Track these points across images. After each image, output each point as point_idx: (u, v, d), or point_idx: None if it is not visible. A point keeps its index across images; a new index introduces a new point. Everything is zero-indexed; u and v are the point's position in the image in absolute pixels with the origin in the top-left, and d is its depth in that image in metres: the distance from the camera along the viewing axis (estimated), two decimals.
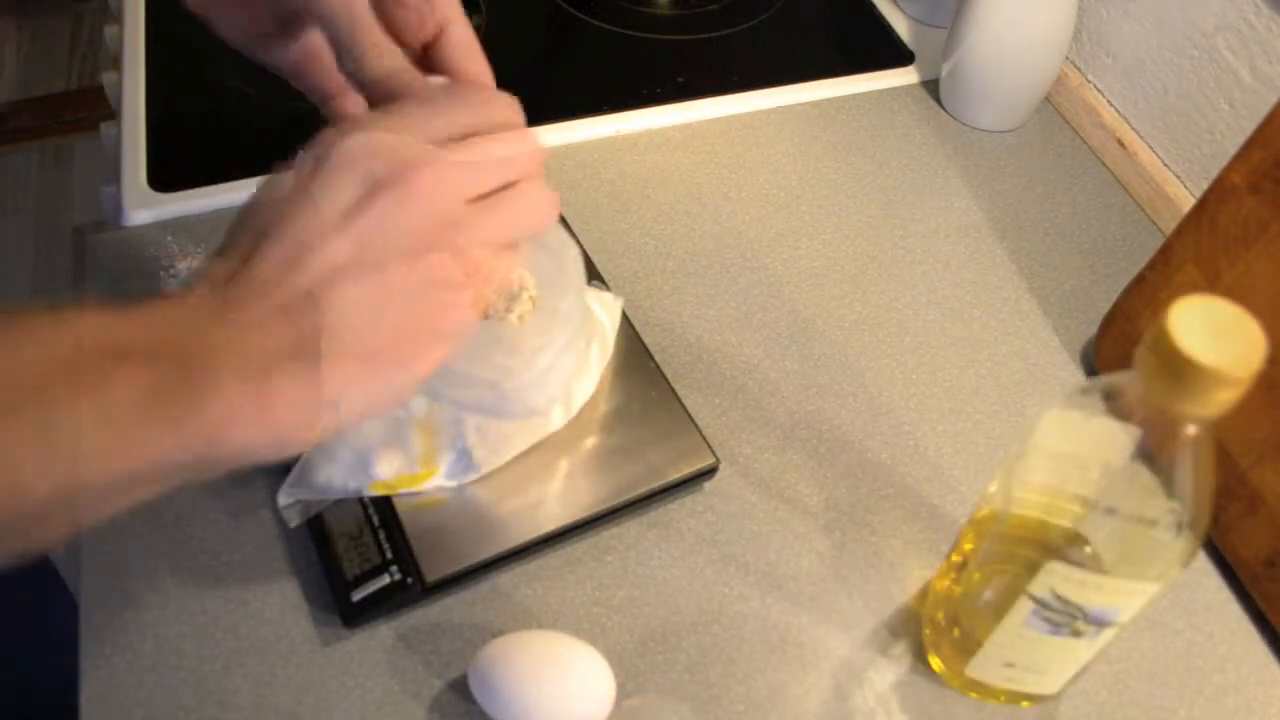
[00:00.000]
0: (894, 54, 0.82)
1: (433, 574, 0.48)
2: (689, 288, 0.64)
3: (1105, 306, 0.62)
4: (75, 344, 0.31)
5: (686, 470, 0.52)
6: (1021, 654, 0.44)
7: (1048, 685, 0.46)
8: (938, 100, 0.78)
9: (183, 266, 0.62)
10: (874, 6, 0.86)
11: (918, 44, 0.82)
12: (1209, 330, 0.31)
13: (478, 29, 0.83)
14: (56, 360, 0.30)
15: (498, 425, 0.51)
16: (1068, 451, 0.38)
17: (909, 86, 0.79)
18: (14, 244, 1.74)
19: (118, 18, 0.80)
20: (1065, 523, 0.38)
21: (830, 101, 0.77)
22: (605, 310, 0.56)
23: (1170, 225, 0.68)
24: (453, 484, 0.50)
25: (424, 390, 0.47)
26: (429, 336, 0.35)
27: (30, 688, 0.74)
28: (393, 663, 0.48)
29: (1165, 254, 0.57)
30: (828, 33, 0.84)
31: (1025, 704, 0.49)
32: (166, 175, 0.67)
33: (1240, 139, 0.53)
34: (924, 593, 0.52)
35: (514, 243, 0.38)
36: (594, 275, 0.60)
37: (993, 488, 0.43)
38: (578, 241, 0.62)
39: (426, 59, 0.44)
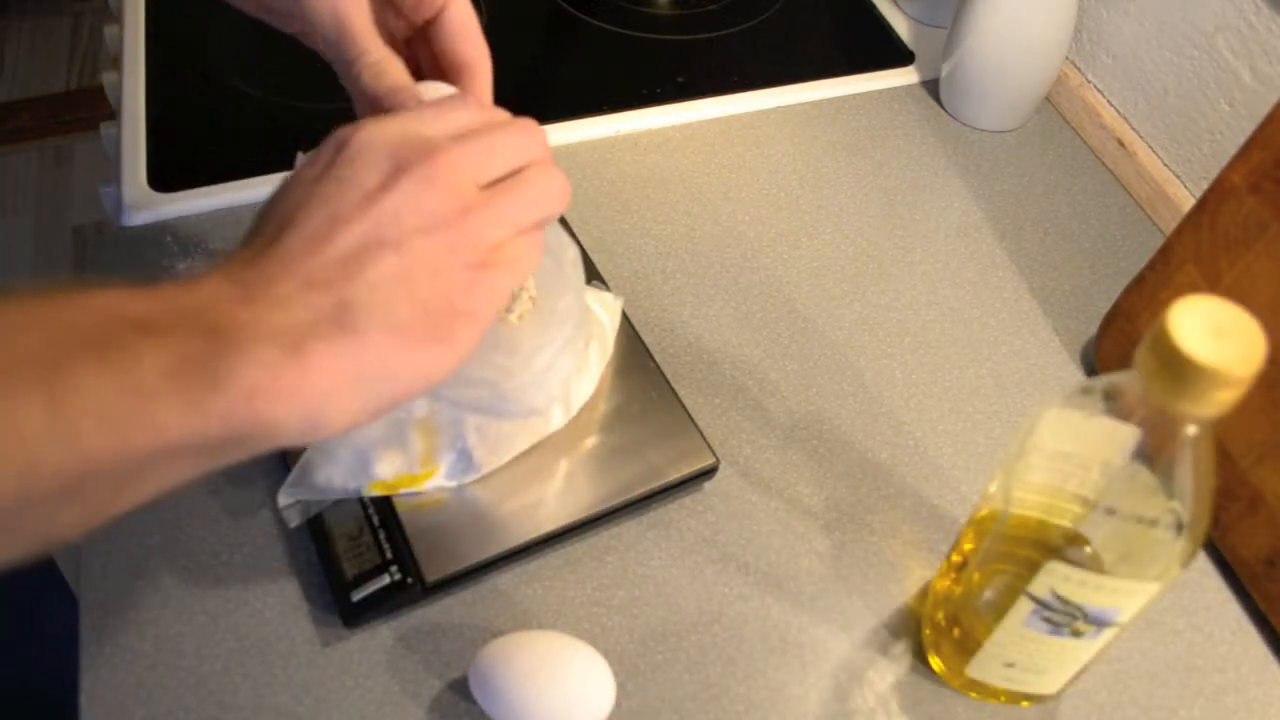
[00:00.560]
0: (894, 54, 0.82)
1: (433, 574, 0.48)
2: (689, 288, 0.64)
3: (1105, 306, 0.62)
4: (99, 316, 0.30)
5: (686, 470, 0.52)
6: (1021, 654, 0.44)
7: (1048, 685, 0.46)
8: (938, 100, 0.78)
9: (183, 267, 0.62)
10: (874, 6, 0.86)
11: (918, 44, 0.82)
12: (1209, 330, 0.31)
13: None
14: (79, 331, 0.29)
15: (498, 425, 0.51)
16: (1068, 451, 0.38)
17: (909, 86, 0.79)
18: (14, 244, 1.74)
19: (118, 18, 0.80)
20: (1065, 523, 0.38)
21: (830, 101, 0.77)
22: (605, 310, 0.56)
23: (1170, 225, 0.68)
24: (453, 484, 0.50)
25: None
26: (459, 315, 0.35)
27: (30, 686, 0.74)
28: (393, 663, 0.48)
29: (1165, 254, 0.57)
30: (828, 33, 0.84)
31: (1025, 704, 0.49)
32: (166, 175, 0.67)
33: (1240, 139, 0.53)
34: (924, 593, 0.52)
35: (535, 226, 0.38)
36: (594, 275, 0.60)
37: (993, 488, 0.43)
38: (577, 241, 0.62)
39: (425, 38, 0.45)
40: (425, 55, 0.46)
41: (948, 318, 0.64)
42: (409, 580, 0.48)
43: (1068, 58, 0.78)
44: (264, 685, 0.47)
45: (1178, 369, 0.31)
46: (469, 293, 0.35)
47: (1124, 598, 0.39)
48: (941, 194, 0.72)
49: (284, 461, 0.51)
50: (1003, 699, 0.48)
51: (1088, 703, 0.49)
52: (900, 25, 0.84)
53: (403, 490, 0.50)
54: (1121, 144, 0.73)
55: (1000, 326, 0.64)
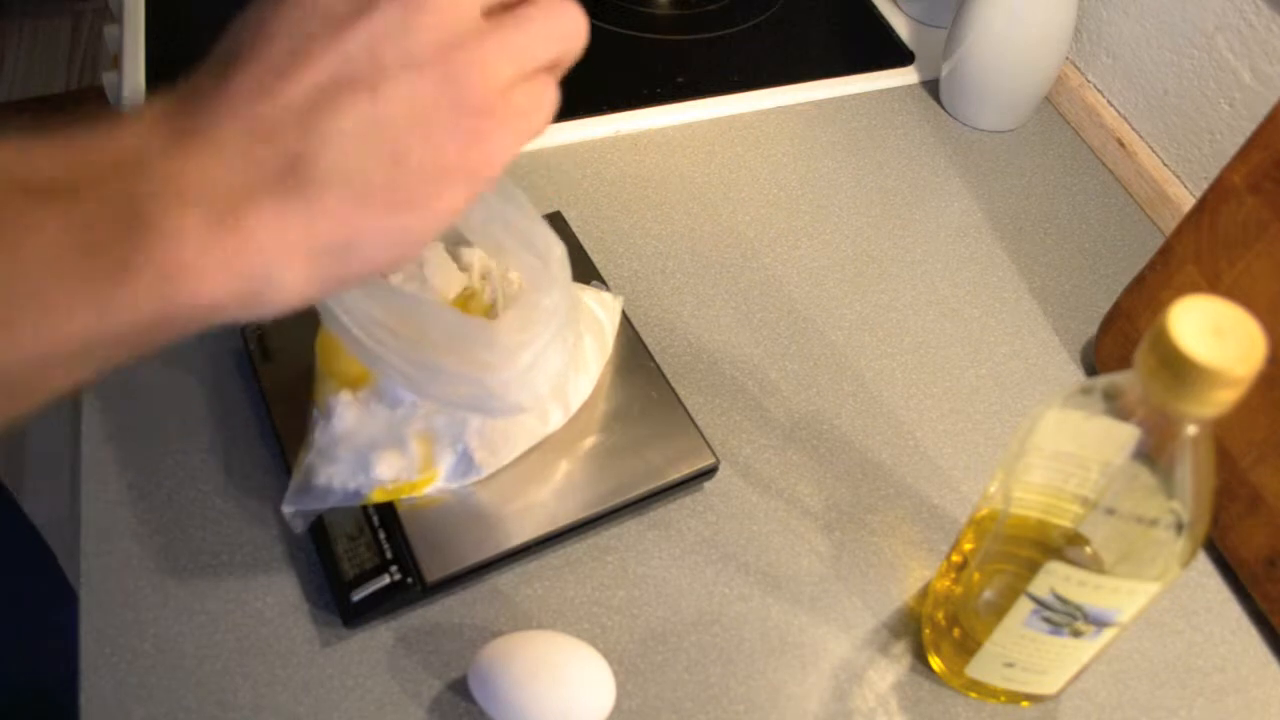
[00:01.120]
0: (894, 54, 0.82)
1: (433, 574, 0.48)
2: (689, 288, 0.64)
3: (1105, 306, 0.62)
4: None
5: (686, 470, 0.52)
6: (1021, 654, 0.44)
7: (1048, 685, 0.46)
8: (938, 100, 0.78)
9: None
10: (874, 6, 0.86)
11: (918, 44, 0.82)
12: (1209, 330, 0.31)
13: None
14: None
15: (497, 426, 0.51)
16: (1068, 451, 0.38)
17: (909, 86, 0.79)
18: None
19: (118, 18, 0.80)
20: (1065, 523, 0.38)
21: (830, 101, 0.77)
22: (605, 310, 0.56)
23: (1170, 225, 0.68)
24: (453, 487, 0.50)
25: (410, 389, 0.47)
26: (452, 172, 0.29)
27: (33, 685, 0.74)
28: (393, 663, 0.48)
29: (1165, 254, 0.57)
30: (828, 33, 0.84)
31: (1025, 704, 0.49)
32: None
33: (1240, 139, 0.53)
34: (924, 593, 0.52)
35: (548, 67, 0.32)
36: (594, 275, 0.60)
37: (993, 488, 0.43)
38: (574, 240, 0.62)
39: None
40: None
41: (948, 318, 0.64)
42: (409, 580, 0.48)
43: (1068, 58, 0.78)
44: (264, 685, 0.47)
45: (1178, 369, 0.31)
46: (465, 147, 0.29)
47: (1124, 598, 0.39)
48: (941, 194, 0.72)
49: (284, 462, 0.51)
50: (1003, 699, 0.48)
51: (1088, 703, 0.49)
52: (900, 25, 0.84)
53: (403, 497, 0.50)
54: (1121, 144, 0.73)
55: (1000, 326, 0.64)
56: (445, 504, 0.50)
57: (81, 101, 1.96)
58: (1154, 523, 0.37)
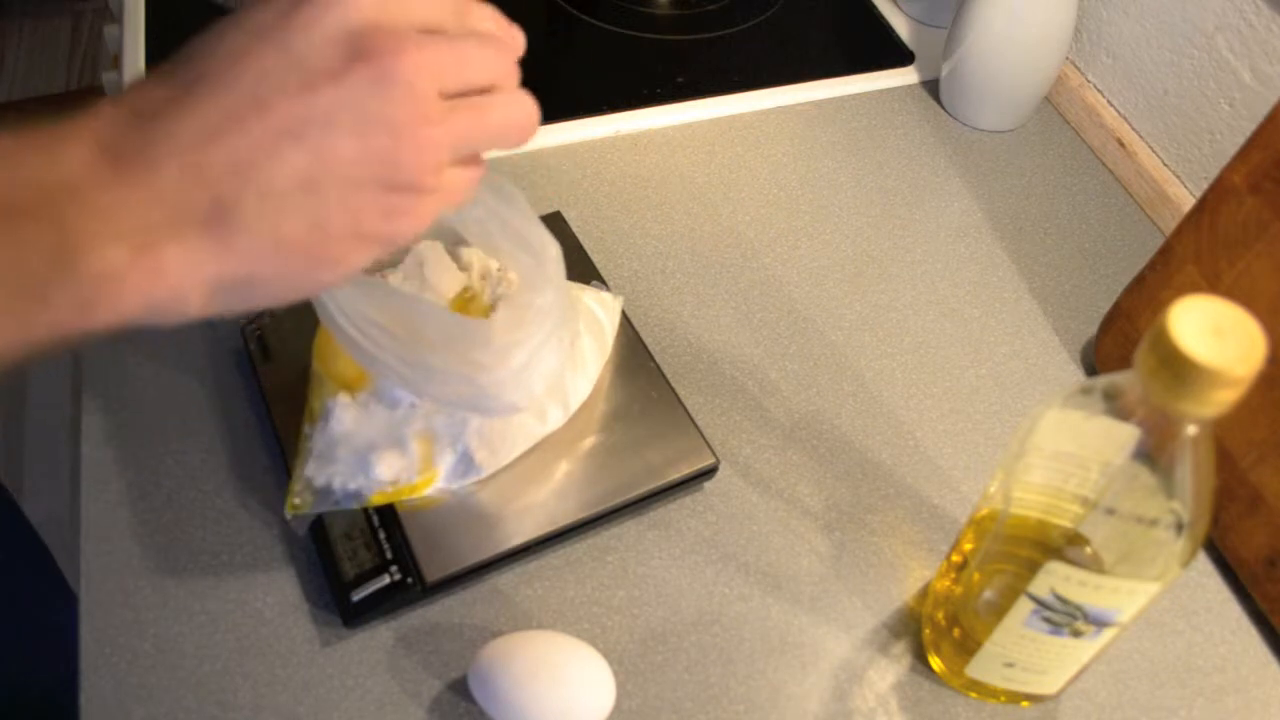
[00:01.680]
0: (894, 54, 0.82)
1: (433, 574, 0.48)
2: (689, 288, 0.64)
3: (1105, 306, 0.62)
4: None
5: (686, 470, 0.52)
6: (1021, 654, 0.44)
7: (1048, 685, 0.46)
8: (938, 100, 0.78)
9: None
10: (874, 6, 0.86)
11: (918, 44, 0.82)
12: (1209, 330, 0.31)
13: None
14: None
15: (497, 426, 0.51)
16: (1068, 451, 0.38)
17: (909, 86, 0.79)
18: None
19: (118, 18, 0.80)
20: (1065, 523, 0.38)
21: (830, 101, 0.77)
22: (604, 310, 0.56)
23: (1170, 225, 0.68)
24: (453, 487, 0.50)
25: (406, 388, 0.47)
26: (362, 239, 0.31)
27: (31, 686, 0.74)
28: (393, 663, 0.48)
29: (1165, 254, 0.57)
30: (828, 33, 0.84)
31: (1025, 704, 0.49)
32: None
33: (1240, 139, 0.53)
34: (924, 593, 0.52)
35: (483, 152, 0.33)
36: (594, 275, 0.60)
37: (993, 488, 0.43)
38: (575, 240, 0.62)
39: None
40: None
41: (948, 318, 0.64)
42: (409, 580, 0.48)
43: (1068, 58, 0.78)
44: (264, 685, 0.47)
45: (1178, 369, 0.31)
46: (385, 219, 0.30)
47: (1124, 598, 0.39)
48: (941, 194, 0.72)
49: (284, 462, 0.51)
50: (1003, 699, 0.48)
51: (1088, 703, 0.49)
52: (900, 25, 0.84)
53: (403, 499, 0.50)
54: (1121, 144, 0.73)
55: (1000, 326, 0.64)
56: (445, 504, 0.50)
57: (81, 102, 1.96)
58: (1154, 523, 0.37)
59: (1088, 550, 0.38)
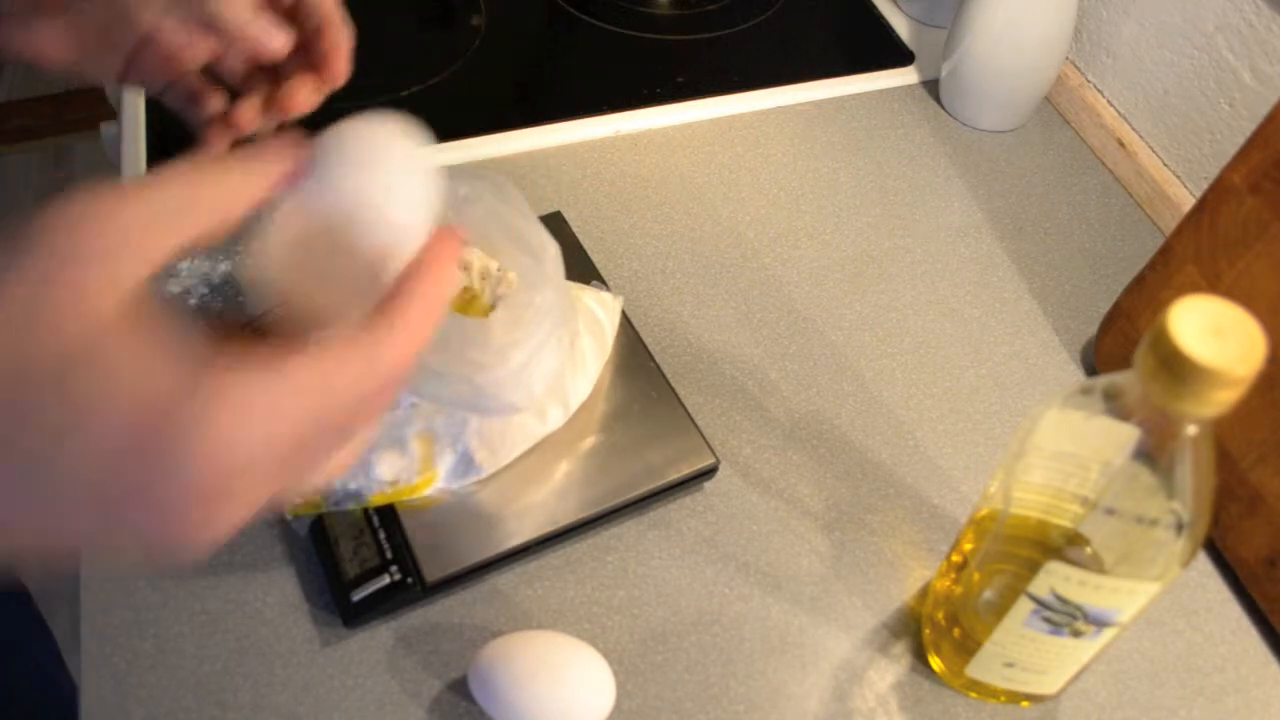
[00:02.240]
0: (894, 54, 0.82)
1: (433, 574, 0.48)
2: (689, 288, 0.64)
3: (1105, 306, 0.62)
4: None
5: (686, 470, 0.52)
6: (1021, 654, 0.44)
7: (1048, 685, 0.46)
8: (938, 100, 0.78)
9: (183, 266, 0.61)
10: (874, 6, 0.86)
11: (918, 44, 0.82)
12: (1209, 330, 0.31)
13: (477, 29, 0.84)
14: None
15: (497, 426, 0.51)
16: (1068, 451, 0.38)
17: (909, 86, 0.79)
18: None
19: None
20: (1065, 523, 0.38)
21: (830, 101, 0.77)
22: (605, 310, 0.56)
23: (1170, 225, 0.68)
24: (453, 487, 0.50)
25: (405, 388, 0.47)
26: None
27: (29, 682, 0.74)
28: (393, 663, 0.48)
29: (1165, 254, 0.57)
30: (828, 33, 0.84)
31: (1025, 704, 0.49)
32: None
33: (1240, 139, 0.53)
34: (924, 593, 0.52)
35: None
36: (594, 275, 0.60)
37: (993, 488, 0.43)
38: (575, 240, 0.62)
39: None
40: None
41: (948, 318, 0.64)
42: (409, 580, 0.48)
43: (1068, 58, 0.78)
44: (264, 685, 0.47)
45: (1178, 369, 0.31)
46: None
47: (1124, 598, 0.39)
48: (941, 194, 0.72)
49: None
50: (1003, 699, 0.48)
51: (1088, 703, 0.49)
52: (900, 25, 0.84)
53: (403, 499, 0.50)
54: (1121, 144, 0.73)
55: (1000, 326, 0.64)
56: (445, 504, 0.50)
57: (81, 102, 1.96)
58: (1154, 523, 0.37)
59: (1088, 550, 0.38)
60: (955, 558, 0.48)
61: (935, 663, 0.49)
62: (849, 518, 0.55)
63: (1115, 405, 0.35)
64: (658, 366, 0.56)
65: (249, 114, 0.45)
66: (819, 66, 0.80)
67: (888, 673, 0.50)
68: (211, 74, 0.45)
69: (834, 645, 0.50)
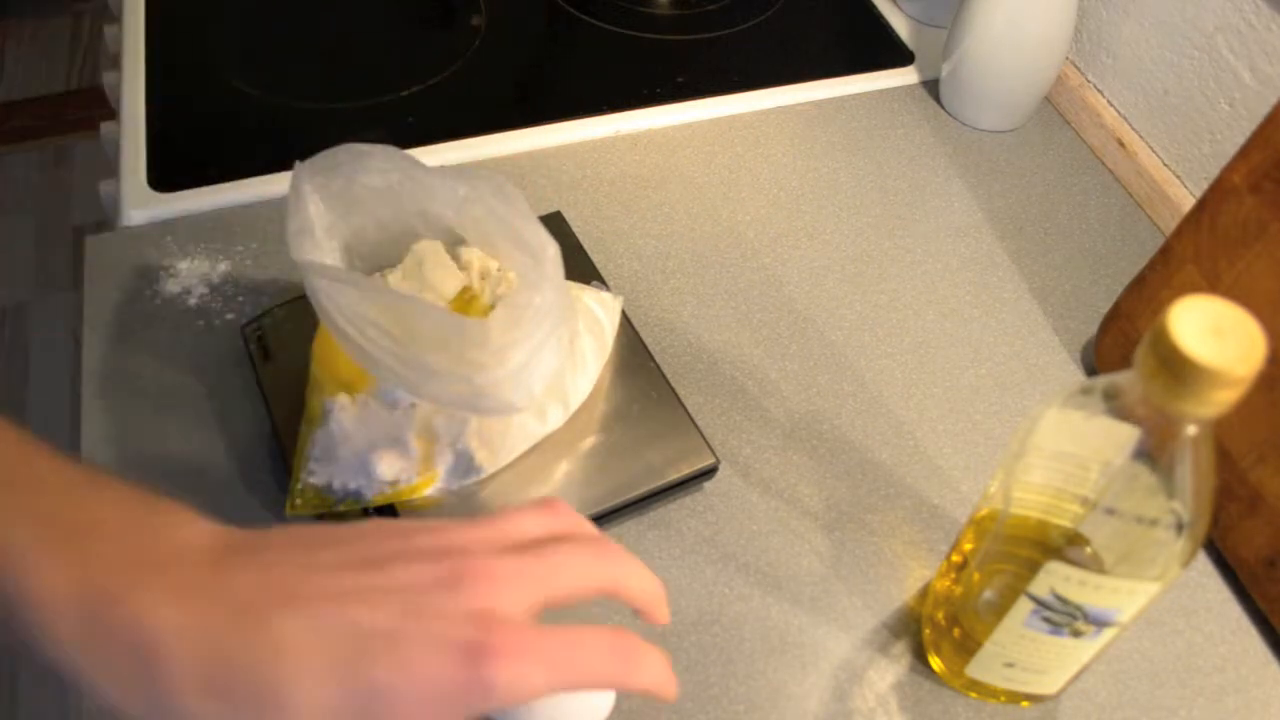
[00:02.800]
0: (894, 54, 0.82)
1: None
2: (689, 288, 0.64)
3: (1105, 306, 0.62)
4: None
5: (686, 470, 0.52)
6: (1021, 654, 0.44)
7: (1048, 685, 0.46)
8: (938, 100, 0.78)
9: (183, 266, 0.61)
10: (874, 6, 0.86)
11: (918, 44, 0.82)
12: (1209, 330, 0.31)
13: (477, 29, 0.84)
14: None
15: (497, 426, 0.51)
16: (1068, 451, 0.38)
17: (909, 86, 0.79)
18: (14, 244, 1.74)
19: (118, 18, 0.80)
20: (1065, 523, 0.38)
21: (830, 101, 0.77)
22: (604, 310, 0.56)
23: (1170, 225, 0.68)
24: (454, 487, 0.50)
25: (404, 388, 0.47)
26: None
27: None
28: None
29: (1165, 254, 0.57)
30: (828, 33, 0.84)
31: (1025, 704, 0.49)
32: (166, 175, 0.67)
33: (1240, 139, 0.53)
34: (924, 593, 0.52)
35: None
36: (594, 275, 0.60)
37: (993, 488, 0.43)
38: (575, 240, 0.62)
39: None
40: None
41: (948, 318, 0.64)
42: None
43: (1068, 58, 0.78)
44: None
45: (1178, 369, 0.31)
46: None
47: (1124, 598, 0.39)
48: (941, 194, 0.72)
49: (284, 462, 0.51)
50: (1003, 699, 0.48)
51: (1088, 703, 0.49)
52: (900, 25, 0.84)
53: (404, 499, 0.50)
54: (1121, 144, 0.73)
55: (1000, 326, 0.64)
56: (445, 504, 0.50)
57: (81, 102, 1.96)
58: (1154, 523, 0.37)
59: (1088, 550, 0.38)
60: (955, 558, 0.48)
61: (935, 663, 0.49)
62: (849, 518, 0.55)
63: (1115, 405, 0.35)
64: (658, 366, 0.56)
65: None
66: (819, 66, 0.80)
67: (888, 673, 0.50)
68: None
69: (834, 645, 0.50)
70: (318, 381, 0.51)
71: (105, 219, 0.68)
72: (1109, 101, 0.76)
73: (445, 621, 0.29)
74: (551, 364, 0.48)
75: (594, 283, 0.59)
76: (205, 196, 0.66)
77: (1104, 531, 0.38)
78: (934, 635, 0.49)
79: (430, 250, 0.53)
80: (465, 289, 0.53)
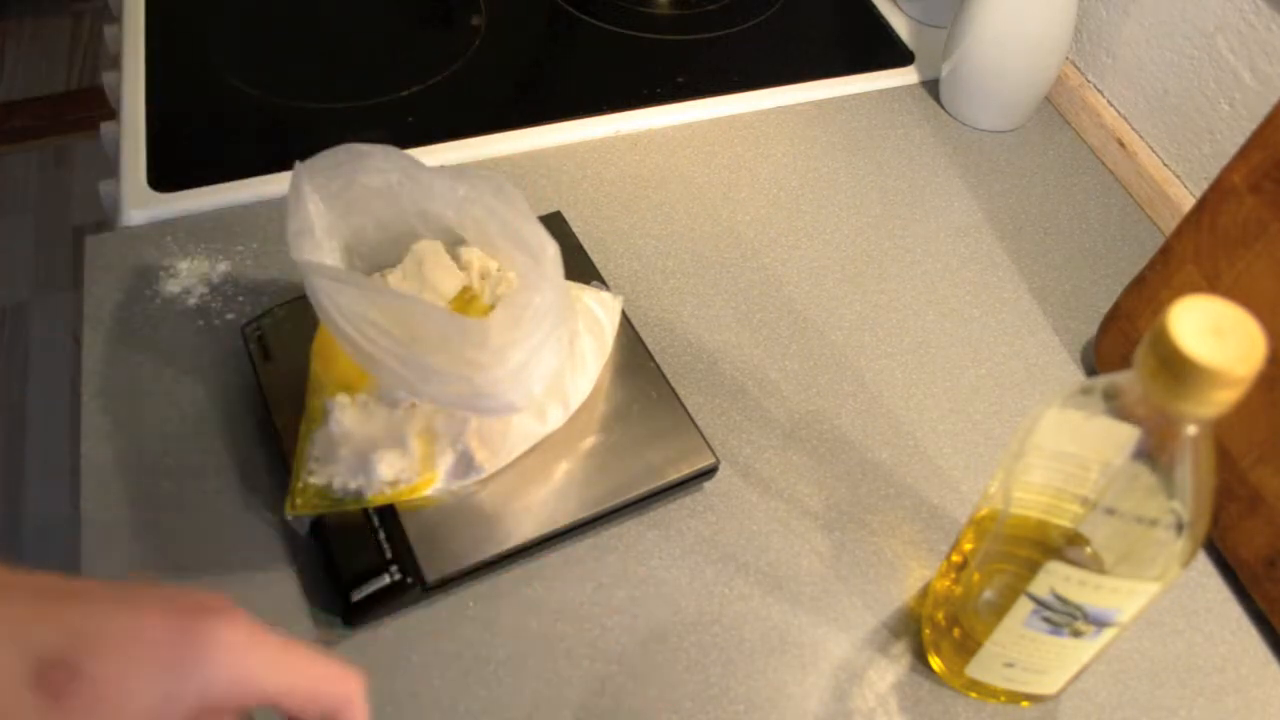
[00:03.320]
0: (894, 54, 0.82)
1: (433, 574, 0.48)
2: (689, 288, 0.64)
3: (1105, 306, 0.62)
4: None
5: (686, 470, 0.52)
6: (1021, 654, 0.44)
7: (1048, 685, 0.46)
8: (938, 100, 0.78)
9: (183, 266, 0.61)
10: (874, 6, 0.86)
11: (918, 44, 0.82)
12: (1209, 330, 0.31)
13: (477, 29, 0.84)
14: None
15: (497, 426, 0.51)
16: (1068, 451, 0.38)
17: (909, 86, 0.79)
18: (14, 244, 1.74)
19: (118, 18, 0.80)
20: (1065, 523, 0.38)
21: (830, 101, 0.77)
22: (604, 310, 0.56)
23: (1170, 225, 0.68)
24: (453, 487, 0.50)
25: (404, 388, 0.47)
26: None
27: None
28: (393, 663, 0.48)
29: (1165, 254, 0.57)
30: (828, 33, 0.84)
31: (1025, 704, 0.49)
32: (166, 175, 0.67)
33: (1240, 139, 0.53)
34: (924, 593, 0.52)
35: None
36: (594, 275, 0.60)
37: (993, 488, 0.43)
38: (575, 240, 0.62)
39: None
40: None
41: (948, 318, 0.64)
42: (409, 580, 0.48)
43: (1068, 58, 0.78)
44: None
45: (1178, 369, 0.31)
46: None
47: (1124, 598, 0.39)
48: (941, 194, 0.72)
49: (284, 462, 0.51)
50: (1003, 699, 0.48)
51: (1088, 703, 0.49)
52: (900, 25, 0.84)
53: (404, 499, 0.50)
54: (1121, 144, 0.73)
55: (1000, 326, 0.64)
56: (445, 504, 0.50)
57: (81, 102, 1.96)
58: (1154, 523, 0.37)
59: (1088, 550, 0.38)
60: (955, 558, 0.48)
61: (935, 663, 0.49)
62: (849, 518, 0.55)
63: (1115, 405, 0.35)
64: (658, 366, 0.56)
65: None
66: (819, 66, 0.80)
67: (888, 673, 0.50)
68: None
69: (834, 645, 0.50)
70: (318, 381, 0.51)
71: (105, 219, 0.68)
72: (1109, 101, 0.76)
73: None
74: (551, 364, 0.48)
75: (594, 283, 0.59)
76: (205, 196, 0.66)
77: (1104, 531, 0.38)
78: (934, 635, 0.49)
79: (430, 250, 0.53)
80: (465, 289, 0.53)
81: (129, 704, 0.27)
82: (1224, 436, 0.53)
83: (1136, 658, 0.51)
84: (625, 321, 0.57)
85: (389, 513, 0.49)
